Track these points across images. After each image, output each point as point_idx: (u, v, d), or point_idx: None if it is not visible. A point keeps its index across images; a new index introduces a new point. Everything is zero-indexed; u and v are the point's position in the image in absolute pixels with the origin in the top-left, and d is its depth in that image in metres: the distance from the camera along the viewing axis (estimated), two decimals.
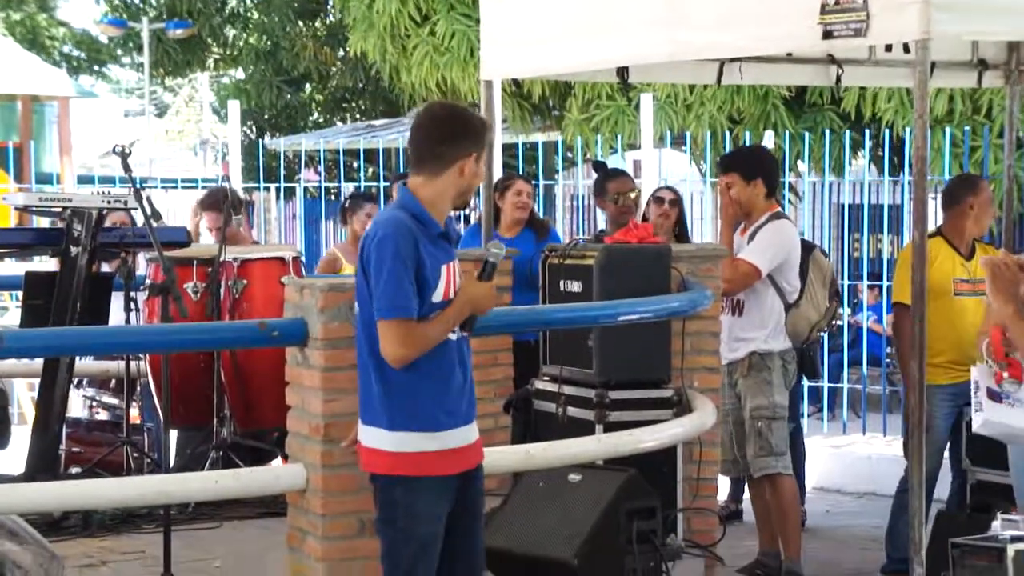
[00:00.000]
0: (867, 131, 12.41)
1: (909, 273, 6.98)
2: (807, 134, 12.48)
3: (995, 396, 5.75)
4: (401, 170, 14.95)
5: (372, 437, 4.49)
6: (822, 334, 8.28)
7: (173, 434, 7.91)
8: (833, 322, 8.88)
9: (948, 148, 11.31)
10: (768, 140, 12.69)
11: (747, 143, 12.72)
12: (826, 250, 8.51)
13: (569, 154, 16.82)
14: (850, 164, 13.31)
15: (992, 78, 8.36)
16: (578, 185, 16.54)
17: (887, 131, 11.94)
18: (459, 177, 4.54)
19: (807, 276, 7.35)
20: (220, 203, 8.05)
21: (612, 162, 13.18)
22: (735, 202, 7.23)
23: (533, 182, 9.37)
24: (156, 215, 6.69)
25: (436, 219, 4.52)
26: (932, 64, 6.61)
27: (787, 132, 12.83)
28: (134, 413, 8.18)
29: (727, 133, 12.91)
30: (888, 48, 7.35)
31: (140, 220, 6.83)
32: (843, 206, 12.10)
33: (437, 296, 4.46)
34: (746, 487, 7.80)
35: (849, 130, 12.43)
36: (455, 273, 4.56)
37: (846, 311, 11.93)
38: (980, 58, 8.19)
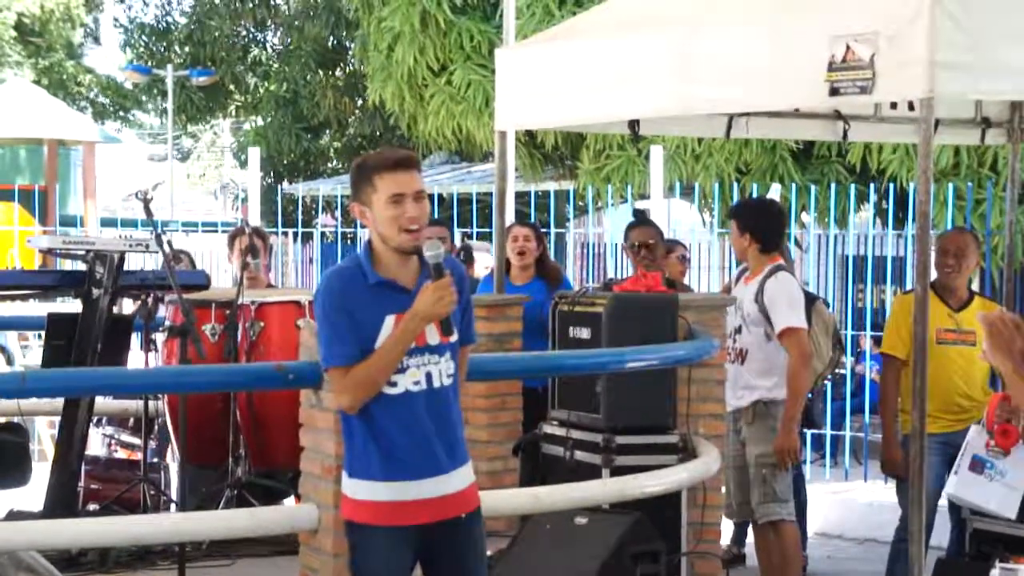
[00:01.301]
0: (872, 184, 12.43)
1: (896, 325, 7.04)
2: (813, 186, 12.50)
3: (977, 466, 5.72)
4: None
5: (342, 481, 4.46)
6: (826, 383, 8.30)
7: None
8: (836, 370, 8.89)
9: (952, 201, 11.32)
10: (774, 192, 12.71)
11: (754, 194, 12.75)
12: (829, 301, 8.52)
13: (580, 203, 16.86)
14: (856, 216, 13.33)
15: (995, 136, 8.39)
16: (588, 233, 16.57)
17: (891, 184, 11.96)
18: (369, 225, 4.37)
19: (811, 327, 7.36)
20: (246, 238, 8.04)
21: (622, 212, 13.21)
22: (734, 246, 7.35)
23: (544, 230, 9.37)
24: (176, 258, 6.71)
25: (377, 268, 4.35)
26: (936, 122, 6.63)
27: (794, 184, 12.85)
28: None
29: (735, 184, 12.93)
30: (893, 105, 7.42)
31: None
32: (847, 257, 12.10)
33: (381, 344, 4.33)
34: (750, 531, 7.78)
35: (855, 183, 12.45)
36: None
37: (849, 360, 11.93)
38: (984, 116, 8.22)
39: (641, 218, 8.46)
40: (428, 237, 4.37)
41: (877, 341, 12.09)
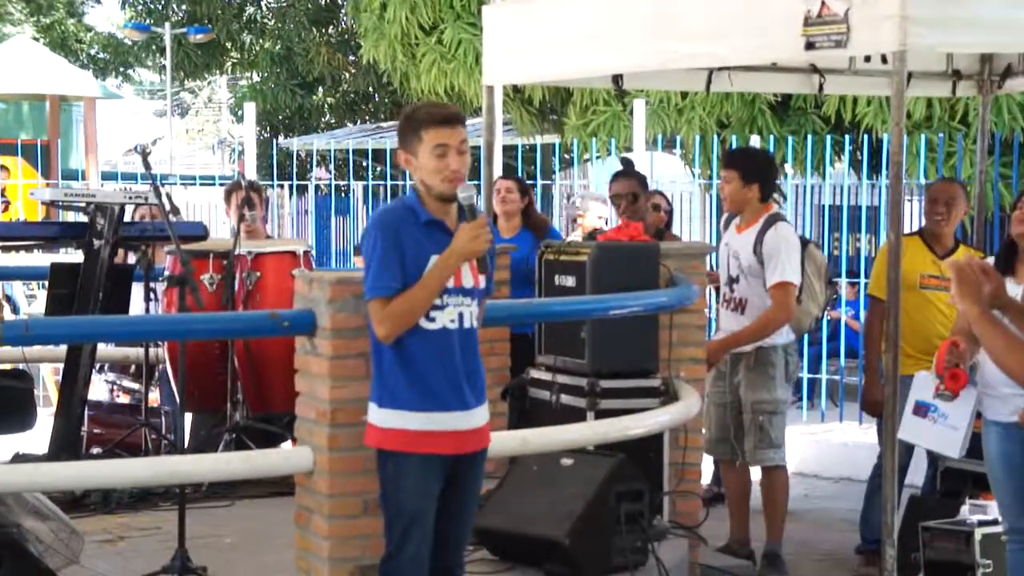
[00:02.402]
0: (848, 136, 12.40)
1: (881, 268, 7.03)
2: (791, 138, 12.47)
3: (920, 410, 5.73)
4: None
5: (371, 413, 4.54)
6: (818, 322, 8.30)
7: (188, 416, 7.94)
8: (827, 311, 8.88)
9: (924, 152, 11.30)
10: (754, 143, 12.67)
11: (733, 146, 12.72)
12: (818, 243, 8.50)
13: (567, 156, 16.82)
14: (832, 167, 13.31)
15: (966, 88, 8.37)
16: (574, 185, 16.54)
17: (866, 136, 11.93)
18: (414, 173, 4.52)
19: (804, 271, 7.34)
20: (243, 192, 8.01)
21: (607, 164, 13.19)
22: (728, 198, 7.23)
23: (531, 182, 9.36)
24: (175, 210, 6.69)
25: (427, 208, 4.49)
26: (909, 74, 6.62)
27: (772, 136, 12.82)
28: (154, 397, 8.20)
29: (715, 136, 12.91)
30: (867, 59, 7.39)
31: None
32: (824, 207, 12.10)
33: None
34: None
35: (831, 134, 12.42)
36: None
37: (843, 306, 11.95)
38: (955, 69, 8.20)
39: (627, 168, 8.40)
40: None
41: (851, 287, 12.16)
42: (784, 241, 7.06)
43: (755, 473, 7.33)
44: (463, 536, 4.69)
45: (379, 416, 4.51)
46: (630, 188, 8.08)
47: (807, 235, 12.09)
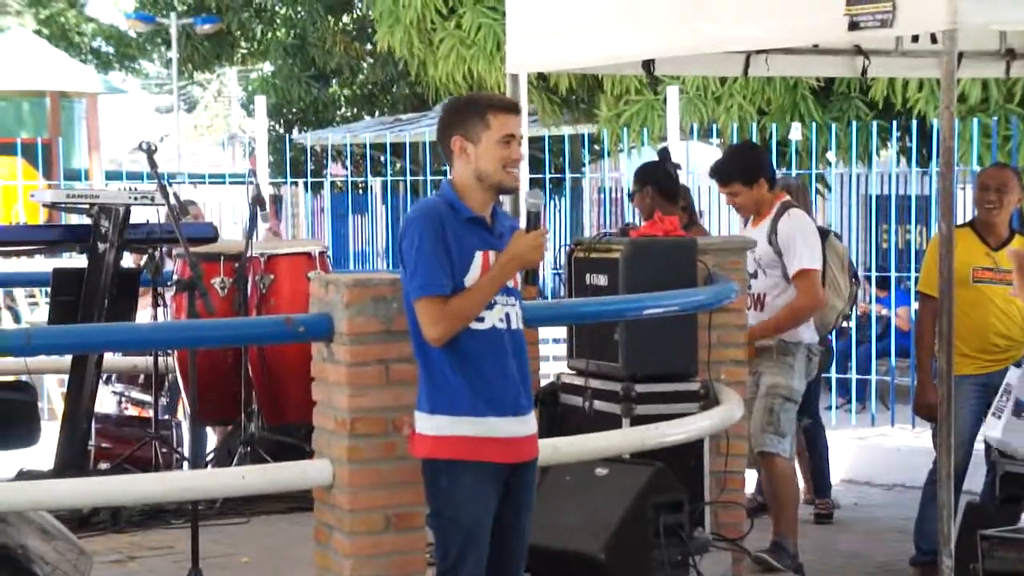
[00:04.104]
0: (895, 121, 12.35)
1: (931, 263, 6.99)
2: (834, 125, 12.43)
3: (1021, 409, 5.64)
4: (427, 163, 14.99)
5: (418, 421, 4.54)
6: (847, 320, 8.29)
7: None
8: (855, 306, 8.87)
9: (977, 138, 11.25)
10: (795, 131, 12.64)
11: (774, 134, 12.68)
12: (852, 242, 8.49)
13: (597, 147, 16.80)
14: (878, 155, 13.26)
15: (1020, 68, 8.31)
16: (604, 178, 16.52)
17: (915, 122, 11.89)
18: (466, 161, 4.52)
19: (826, 264, 7.34)
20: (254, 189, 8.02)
21: (644, 155, 13.16)
22: (743, 207, 7.25)
23: (558, 175, 9.35)
24: (183, 211, 6.70)
25: (468, 204, 4.51)
26: (960, 54, 6.58)
27: (814, 123, 12.78)
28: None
29: (754, 124, 12.88)
30: (915, 39, 7.35)
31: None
32: (871, 197, 12.05)
33: (470, 280, 4.46)
34: None
35: (876, 120, 12.38)
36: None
37: (874, 304, 11.91)
38: (1008, 47, 8.14)
39: (663, 157, 8.36)
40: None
41: (900, 282, 12.11)
42: (798, 228, 7.09)
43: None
44: (523, 557, 4.65)
45: (431, 424, 4.49)
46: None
47: (854, 226, 12.07)
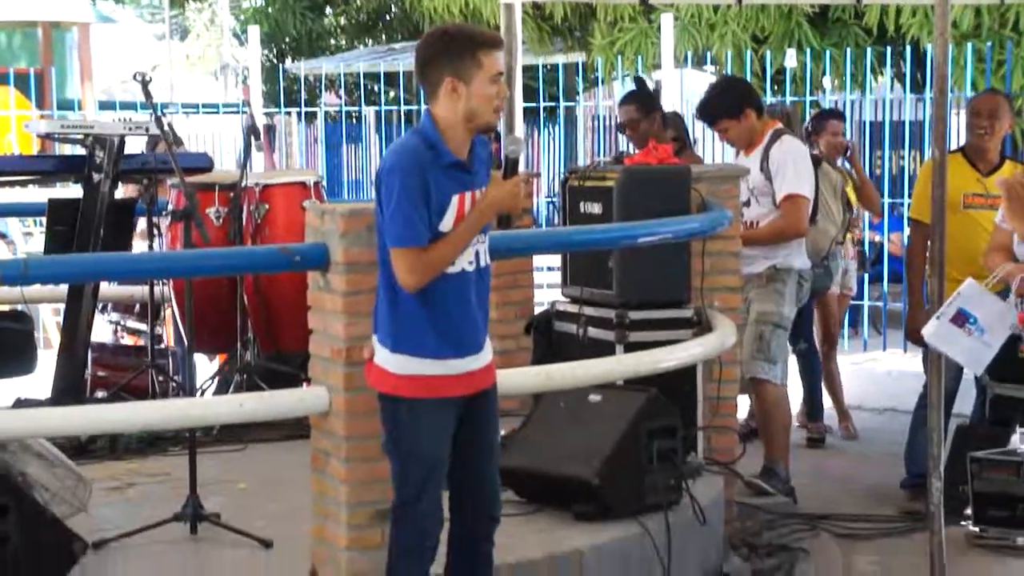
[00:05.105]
0: (889, 48, 12.33)
1: (924, 189, 7.01)
2: (829, 51, 12.42)
3: (959, 319, 5.68)
4: (421, 93, 14.96)
5: (379, 355, 4.56)
6: (839, 246, 8.33)
7: (200, 358, 7.99)
8: (848, 233, 8.93)
9: (971, 63, 11.24)
10: (790, 58, 12.62)
11: (769, 62, 12.66)
12: (845, 167, 8.51)
13: (592, 75, 16.75)
14: (874, 81, 13.25)
15: None
16: (599, 107, 16.49)
17: (909, 48, 11.87)
18: (455, 101, 4.42)
19: (819, 190, 7.37)
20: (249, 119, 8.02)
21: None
22: (737, 141, 7.26)
23: (552, 103, 9.35)
24: (177, 141, 6.71)
25: (449, 146, 4.44)
26: None
27: (810, 49, 12.75)
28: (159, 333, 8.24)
29: (749, 52, 12.86)
30: None
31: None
32: (865, 123, 12.06)
33: (445, 225, 4.42)
34: None
35: (871, 47, 12.36)
36: (472, 202, 4.49)
37: (867, 231, 11.94)
38: None
39: (632, 92, 8.32)
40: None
41: (894, 208, 12.13)
42: (790, 154, 7.11)
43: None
44: (496, 478, 4.69)
45: (394, 362, 4.50)
46: (630, 114, 8.00)
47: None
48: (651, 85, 14.07)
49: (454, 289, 4.48)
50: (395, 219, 4.41)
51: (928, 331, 5.67)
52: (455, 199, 4.45)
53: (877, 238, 12.40)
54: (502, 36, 4.51)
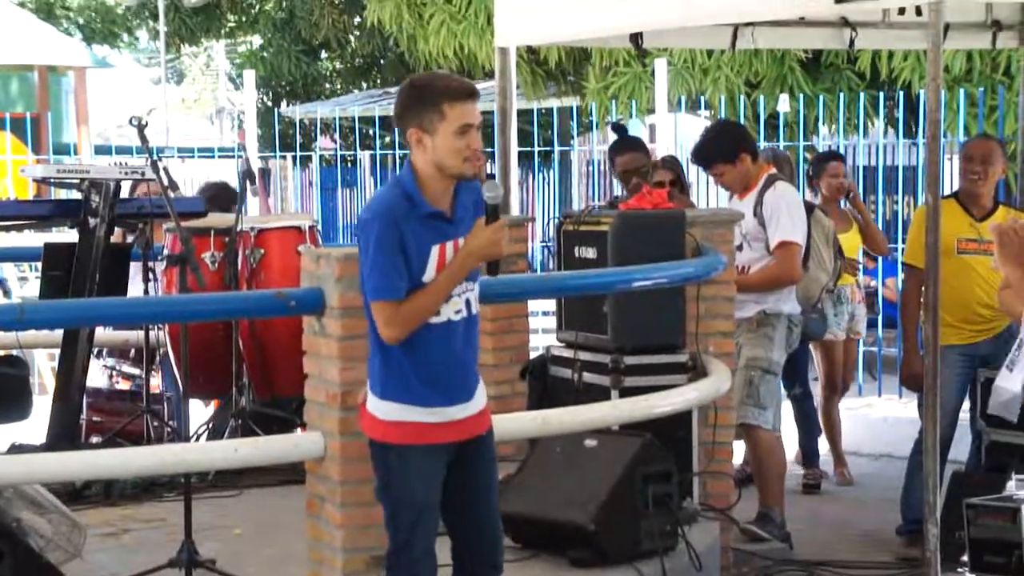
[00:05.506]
0: (882, 93, 12.38)
1: (918, 234, 7.03)
2: (822, 96, 12.46)
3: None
4: None
5: (370, 401, 4.54)
6: (830, 294, 8.33)
7: (196, 404, 7.98)
8: (854, 277, 8.95)
9: (964, 108, 11.28)
10: (783, 103, 12.67)
11: (762, 107, 12.71)
12: (825, 209, 8.54)
13: (586, 120, 16.81)
14: (870, 125, 13.29)
15: (1006, 39, 8.36)
16: (593, 151, 16.53)
17: (902, 93, 11.92)
18: (423, 152, 4.41)
19: (811, 237, 7.38)
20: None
21: (630, 128, 13.18)
22: (732, 185, 7.29)
23: (547, 148, 9.37)
24: (173, 185, 6.71)
25: (427, 196, 4.41)
26: (946, 26, 6.61)
27: (803, 94, 12.81)
28: (155, 382, 8.24)
29: (743, 97, 12.91)
30: (901, 11, 7.38)
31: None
32: (858, 168, 12.09)
33: (428, 276, 4.40)
34: None
35: (864, 91, 12.41)
36: (455, 251, 4.45)
37: (861, 275, 11.94)
38: (994, 19, 8.19)
39: (625, 138, 8.32)
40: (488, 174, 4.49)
41: (888, 253, 12.13)
42: (784, 200, 7.12)
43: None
44: (496, 525, 4.66)
45: (383, 408, 4.49)
46: (640, 162, 8.02)
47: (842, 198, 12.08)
48: (645, 129, 14.14)
49: (439, 339, 4.45)
50: (371, 272, 4.41)
51: (1010, 386, 5.54)
52: (435, 249, 4.42)
53: (872, 283, 12.41)
54: (476, 88, 4.45)
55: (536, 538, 5.73)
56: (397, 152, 15.80)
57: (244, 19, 25.30)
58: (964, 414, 7.35)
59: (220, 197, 8.47)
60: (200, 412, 8.25)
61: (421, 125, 4.41)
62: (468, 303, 4.52)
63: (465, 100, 4.40)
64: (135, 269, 7.60)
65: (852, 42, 8.05)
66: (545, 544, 5.70)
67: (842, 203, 9.04)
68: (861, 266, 9.75)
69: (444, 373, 4.47)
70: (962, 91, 11.40)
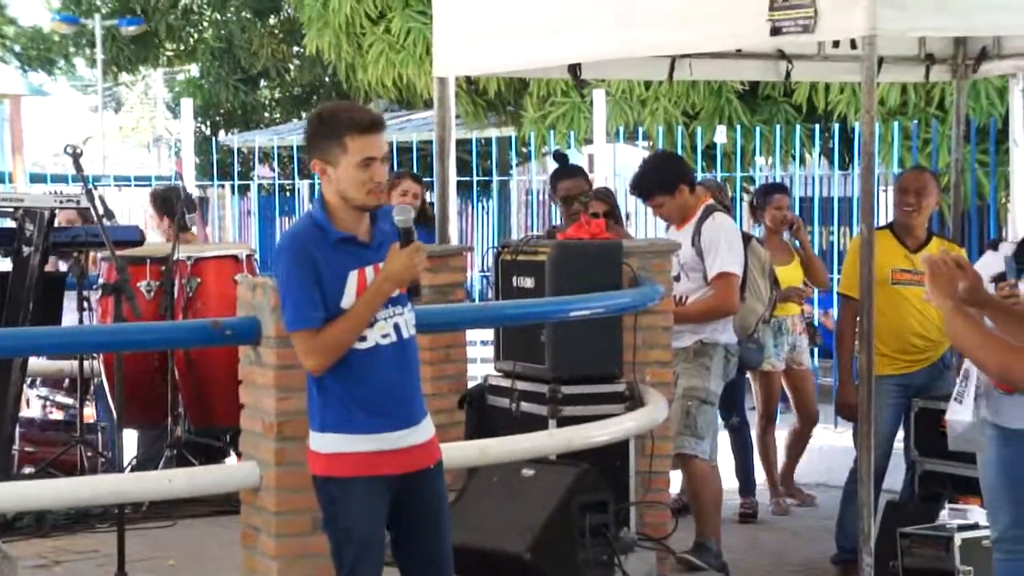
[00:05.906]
0: (818, 125, 12.49)
1: (853, 265, 7.09)
2: (759, 128, 12.57)
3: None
4: None
5: (311, 439, 4.51)
6: (766, 324, 8.36)
7: (132, 434, 7.92)
8: (800, 307, 8.99)
9: (898, 140, 11.40)
10: (721, 134, 12.76)
11: (700, 138, 12.79)
12: (761, 240, 8.58)
13: (524, 149, 16.86)
14: (807, 156, 13.40)
15: (939, 72, 8.44)
16: (532, 180, 16.59)
17: (837, 125, 12.04)
18: (327, 183, 4.41)
19: (747, 268, 7.42)
20: (172, 205, 8.01)
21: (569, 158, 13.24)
22: (670, 216, 7.31)
23: (486, 177, 9.38)
24: (109, 214, 6.68)
25: (336, 224, 4.40)
26: (880, 59, 6.68)
27: (740, 125, 12.90)
28: (89, 412, 8.17)
29: (681, 128, 12.99)
30: (836, 44, 7.45)
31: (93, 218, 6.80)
32: (795, 199, 12.18)
33: (347, 302, 4.38)
34: None
35: (802, 124, 12.53)
36: (375, 276, 4.43)
37: (807, 303, 12.01)
38: (928, 53, 8.27)
39: (566, 165, 8.33)
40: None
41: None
42: (722, 231, 7.14)
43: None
44: (446, 561, 4.62)
45: (323, 442, 4.45)
46: (581, 187, 8.03)
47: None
48: (583, 159, 14.19)
49: (367, 365, 4.41)
50: (285, 303, 4.41)
51: (961, 417, 5.55)
52: (353, 275, 4.40)
53: (811, 311, 12.49)
54: (382, 118, 4.44)
55: (473, 567, 5.70)
56: None
57: (183, 48, 25.24)
58: (898, 444, 7.39)
59: (171, 199, 8.33)
60: (135, 442, 8.19)
61: (323, 157, 4.41)
62: (397, 327, 4.47)
63: (367, 133, 4.37)
64: (69, 298, 7.55)
65: (788, 74, 8.10)
66: (482, 573, 5.67)
67: (785, 235, 9.09)
68: (810, 295, 9.74)
69: (379, 397, 4.43)
70: (896, 124, 11.52)
